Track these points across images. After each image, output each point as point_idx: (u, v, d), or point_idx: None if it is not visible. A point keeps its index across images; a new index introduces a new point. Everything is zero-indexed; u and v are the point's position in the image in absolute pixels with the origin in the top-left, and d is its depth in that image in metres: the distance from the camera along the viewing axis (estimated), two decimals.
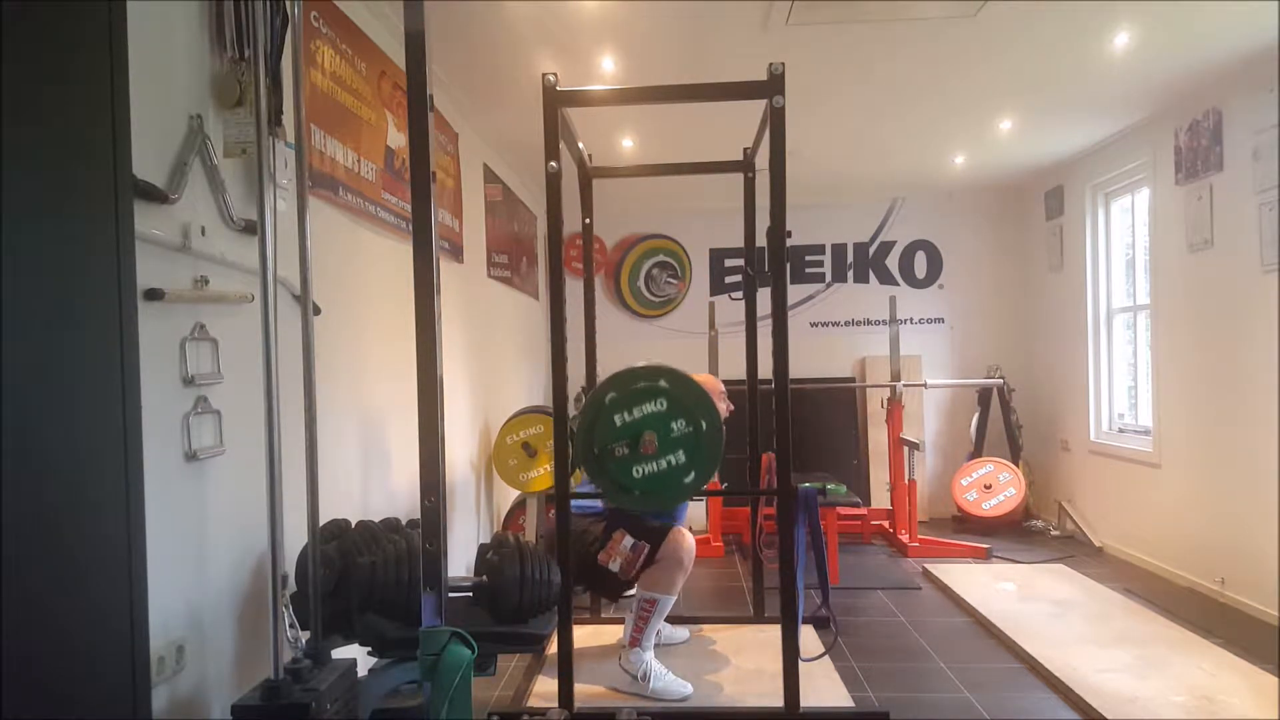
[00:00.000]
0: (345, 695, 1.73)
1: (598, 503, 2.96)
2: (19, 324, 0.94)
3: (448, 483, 3.35)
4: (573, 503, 2.59)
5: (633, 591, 2.93)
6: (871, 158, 5.30)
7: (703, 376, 3.09)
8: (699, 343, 5.83)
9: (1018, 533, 5.57)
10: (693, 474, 2.24)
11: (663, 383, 2.25)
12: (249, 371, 1.85)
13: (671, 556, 2.83)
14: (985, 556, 4.86)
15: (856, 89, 3.95)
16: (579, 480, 2.82)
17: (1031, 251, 6.13)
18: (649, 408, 2.23)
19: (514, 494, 4.49)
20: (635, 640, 2.82)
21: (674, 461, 2.23)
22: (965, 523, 5.68)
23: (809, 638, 3.29)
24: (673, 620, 3.37)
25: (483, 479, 4.36)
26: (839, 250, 6.51)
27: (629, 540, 2.81)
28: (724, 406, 3.10)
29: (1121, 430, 5.10)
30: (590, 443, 2.26)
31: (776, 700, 2.44)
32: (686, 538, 2.88)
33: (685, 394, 2.25)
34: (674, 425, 2.23)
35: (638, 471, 2.24)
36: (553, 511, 2.59)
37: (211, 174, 1.84)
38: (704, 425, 2.23)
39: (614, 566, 2.80)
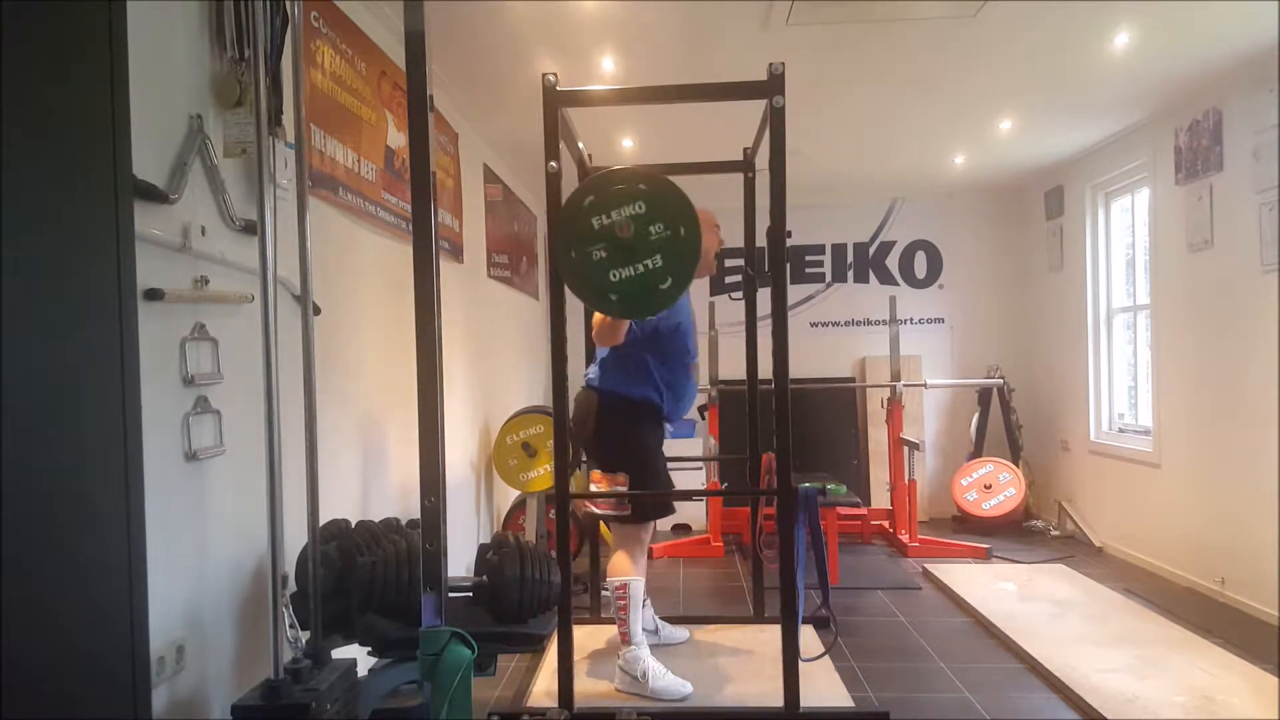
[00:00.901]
0: (345, 695, 1.73)
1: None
2: (19, 324, 0.94)
3: (448, 483, 3.35)
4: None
5: (606, 591, 2.96)
6: (871, 158, 5.30)
7: (697, 209, 3.07)
8: (699, 343, 5.82)
9: (1018, 533, 5.57)
10: (670, 279, 2.19)
11: (642, 185, 2.19)
12: (249, 371, 1.85)
13: (633, 536, 2.87)
14: (985, 556, 4.86)
15: (856, 89, 3.95)
16: (580, 483, 2.82)
17: (1031, 251, 6.13)
18: (627, 210, 2.18)
19: (514, 494, 4.49)
20: (624, 636, 2.81)
21: (651, 265, 2.18)
22: (965, 523, 5.68)
23: (809, 638, 3.29)
24: (673, 620, 3.37)
25: (483, 479, 4.36)
26: (839, 250, 6.51)
27: (623, 498, 2.80)
28: (714, 238, 3.06)
29: (1121, 430, 5.10)
30: (568, 245, 2.21)
31: (776, 700, 2.44)
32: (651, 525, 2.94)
33: (665, 197, 2.20)
34: (652, 229, 2.18)
35: (614, 275, 2.18)
36: (553, 512, 2.59)
37: (211, 174, 1.84)
38: (682, 231, 2.18)
39: (594, 485, 2.81)
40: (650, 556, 4.11)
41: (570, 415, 2.79)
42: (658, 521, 3.02)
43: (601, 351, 2.95)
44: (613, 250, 2.18)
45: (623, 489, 2.77)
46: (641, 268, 2.18)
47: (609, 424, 2.88)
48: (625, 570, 2.84)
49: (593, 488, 2.82)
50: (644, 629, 2.97)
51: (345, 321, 2.59)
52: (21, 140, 0.96)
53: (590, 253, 2.19)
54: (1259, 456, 3.65)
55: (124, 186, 1.12)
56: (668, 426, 3.04)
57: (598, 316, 2.73)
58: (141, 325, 1.23)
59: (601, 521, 3.48)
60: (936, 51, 3.46)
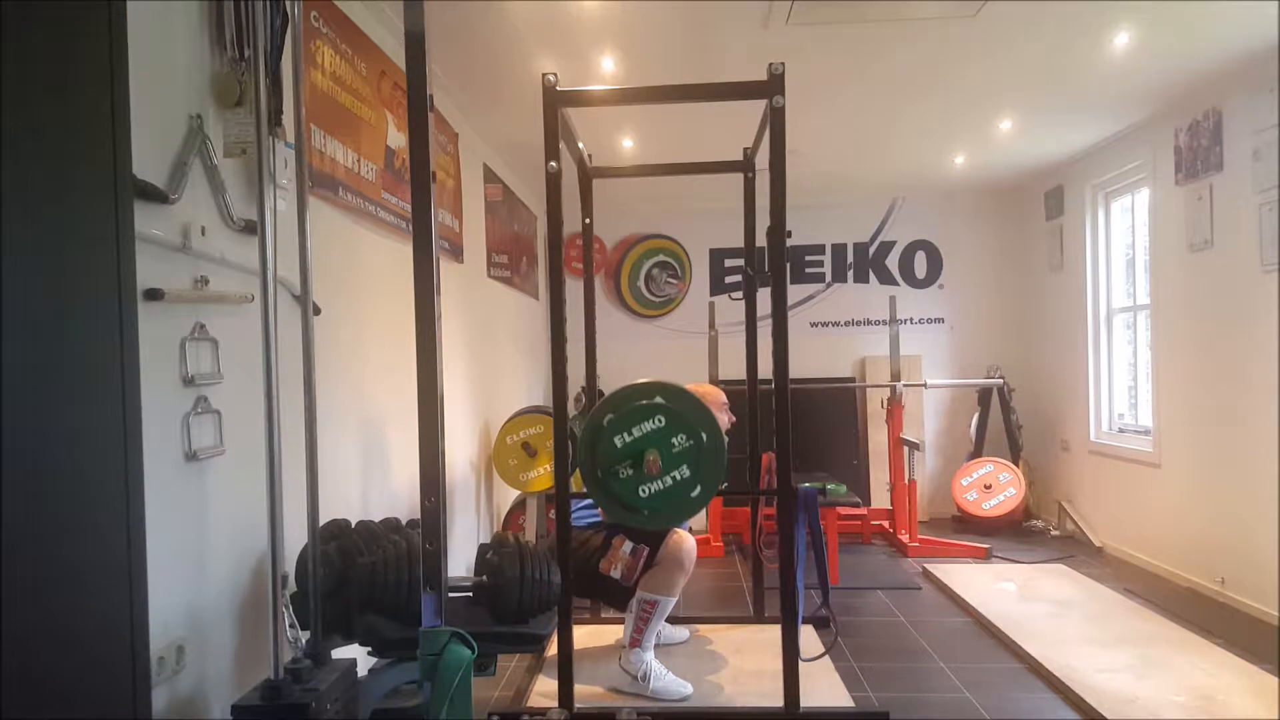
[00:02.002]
0: (345, 695, 1.73)
1: (596, 513, 2.97)
2: (19, 324, 0.94)
3: (448, 483, 3.35)
4: (573, 515, 2.60)
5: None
6: (871, 158, 5.30)
7: (704, 388, 3.08)
8: (699, 343, 5.83)
9: (1018, 533, 5.57)
10: (699, 487, 2.23)
11: (659, 399, 2.24)
12: (249, 371, 1.85)
13: (672, 559, 2.83)
14: (985, 556, 4.86)
15: (856, 89, 3.95)
16: (579, 483, 2.82)
17: (1031, 251, 6.13)
18: (648, 426, 2.22)
19: (514, 494, 4.49)
20: (636, 641, 2.83)
21: (679, 477, 2.22)
22: (965, 523, 5.68)
23: (809, 638, 3.29)
24: (673, 620, 3.37)
25: (483, 479, 4.35)
26: (839, 250, 6.51)
27: (629, 545, 2.81)
28: (725, 418, 3.09)
29: (1121, 430, 5.10)
30: (593, 467, 2.25)
31: (776, 700, 2.44)
32: (687, 539, 2.88)
33: (683, 408, 2.24)
34: (674, 440, 2.22)
35: (643, 491, 2.23)
36: (553, 512, 2.59)
37: (211, 174, 1.84)
38: (704, 437, 2.22)
39: (616, 574, 2.81)
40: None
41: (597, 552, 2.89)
42: (693, 547, 2.97)
43: None
44: (639, 466, 2.22)
45: (625, 548, 2.83)
46: (670, 480, 2.23)
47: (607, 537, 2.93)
48: (661, 589, 2.84)
49: (613, 574, 2.85)
50: None
51: (345, 321, 2.59)
52: (21, 140, 0.96)
53: (616, 471, 2.22)
54: (1259, 456, 3.65)
55: (124, 186, 1.12)
56: None
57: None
58: (141, 325, 1.23)
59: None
60: (936, 51, 3.46)
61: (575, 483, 2.91)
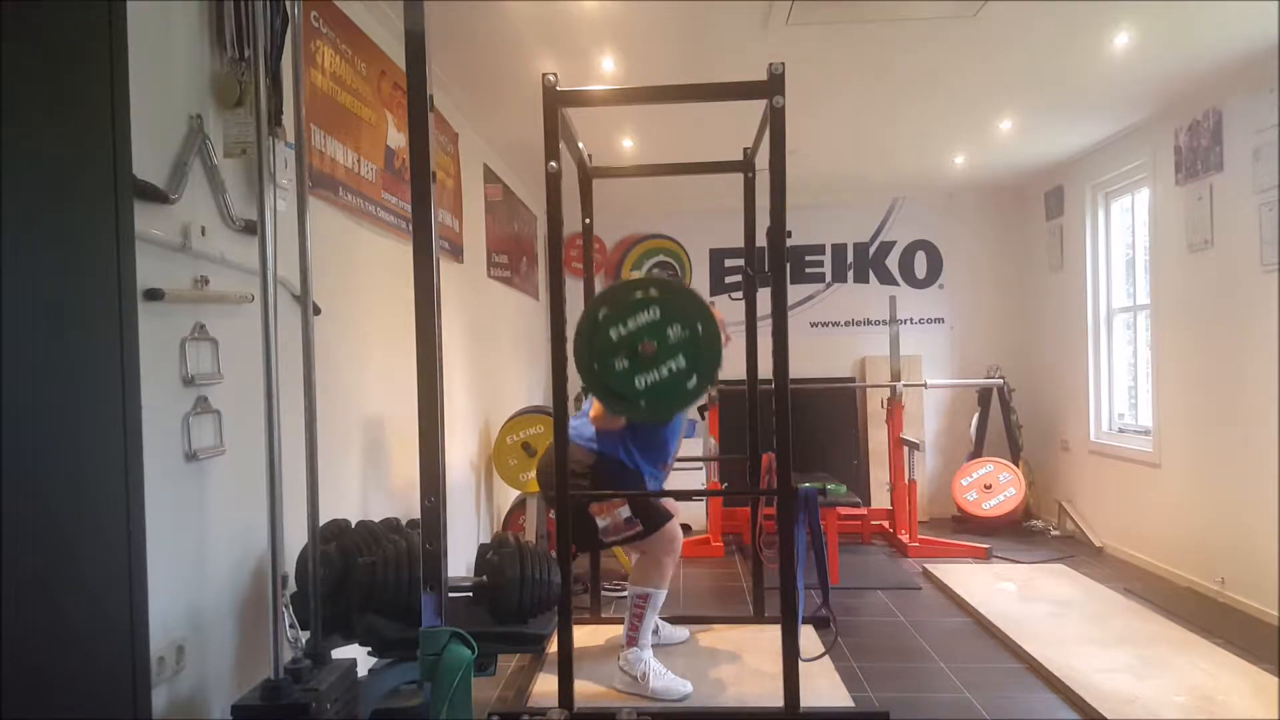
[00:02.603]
0: (345, 695, 1.73)
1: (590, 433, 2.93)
2: (19, 324, 0.94)
3: (448, 483, 3.35)
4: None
5: (624, 593, 2.93)
6: (871, 158, 5.30)
7: None
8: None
9: (1018, 533, 5.57)
10: (695, 378, 2.23)
11: (653, 291, 2.24)
12: (249, 371, 1.85)
13: (660, 548, 2.85)
14: (985, 556, 4.86)
15: (856, 89, 3.95)
16: (599, 411, 2.83)
17: (1031, 251, 6.13)
18: (643, 318, 2.22)
19: (514, 494, 4.49)
20: (632, 639, 2.82)
21: (675, 368, 2.22)
22: (965, 523, 5.68)
23: (809, 638, 3.29)
24: (673, 620, 3.37)
25: (483, 479, 4.36)
26: (839, 250, 6.51)
27: (626, 511, 2.79)
28: (724, 336, 3.09)
29: (1121, 430, 5.10)
30: (590, 359, 2.25)
31: (776, 700, 2.44)
32: (675, 529, 2.90)
33: (677, 300, 2.24)
34: (670, 331, 2.22)
35: (640, 382, 2.23)
36: (553, 512, 2.58)
37: (211, 174, 1.84)
38: (700, 328, 2.22)
39: (601, 522, 2.79)
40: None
41: (541, 462, 2.84)
42: (680, 536, 2.98)
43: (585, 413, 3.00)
44: (635, 358, 2.22)
45: (623, 510, 2.78)
46: (666, 371, 2.24)
47: (596, 475, 2.88)
48: (651, 580, 2.84)
49: (599, 521, 2.81)
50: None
51: (345, 321, 2.59)
52: (22, 140, 0.96)
53: (612, 363, 2.22)
54: (1259, 456, 3.65)
55: (124, 186, 1.12)
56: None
57: (597, 407, 2.82)
58: (141, 325, 1.23)
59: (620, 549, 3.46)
60: (936, 51, 3.46)
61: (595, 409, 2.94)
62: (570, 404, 2.52)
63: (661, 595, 2.86)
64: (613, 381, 2.24)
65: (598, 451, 2.88)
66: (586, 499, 2.77)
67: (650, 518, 2.81)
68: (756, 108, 2.50)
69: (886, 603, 4.03)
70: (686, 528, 5.68)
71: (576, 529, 2.91)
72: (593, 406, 2.86)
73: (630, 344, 2.23)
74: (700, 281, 6.55)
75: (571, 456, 2.85)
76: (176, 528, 1.71)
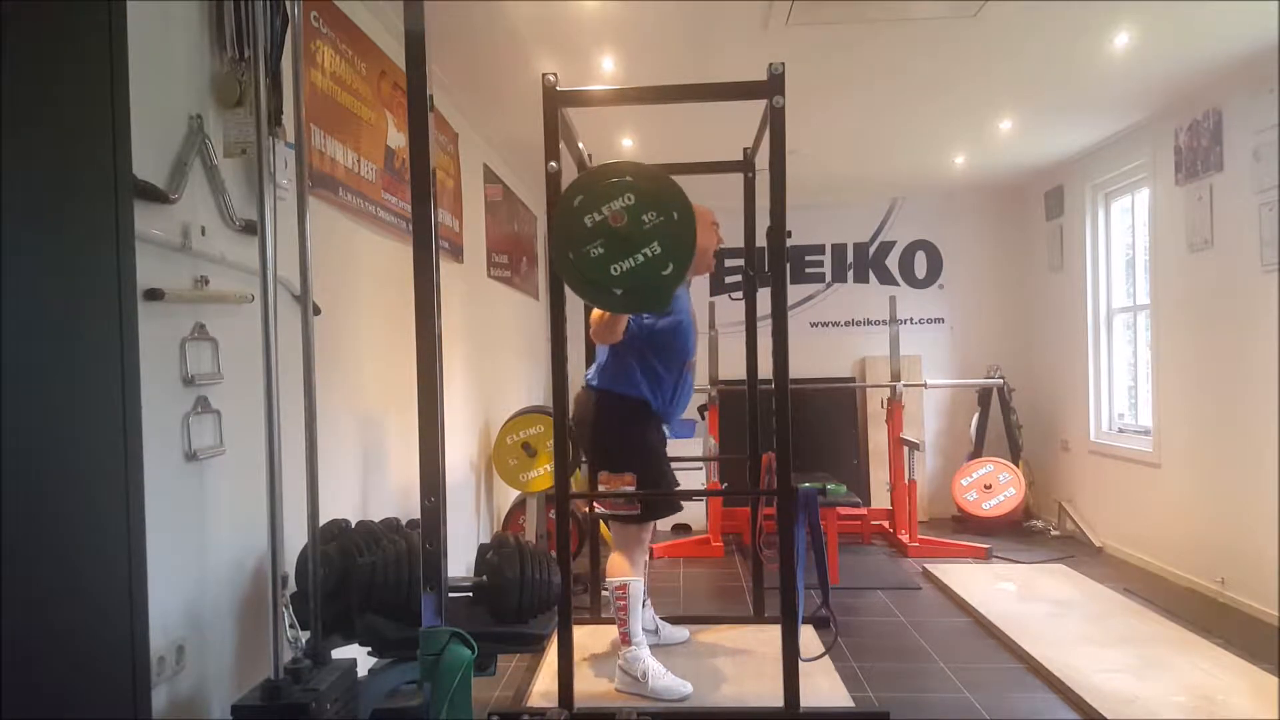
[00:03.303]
0: (345, 695, 1.73)
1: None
2: (19, 324, 0.94)
3: (448, 483, 3.35)
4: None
5: (606, 591, 2.96)
6: (871, 158, 5.30)
7: (696, 207, 3.07)
8: (699, 343, 5.82)
9: (1018, 533, 5.57)
10: (670, 265, 2.19)
11: (628, 177, 2.20)
12: (249, 371, 1.85)
13: (634, 537, 2.89)
14: (985, 556, 4.86)
15: (856, 89, 3.95)
16: (580, 482, 2.81)
17: (1031, 251, 6.13)
18: (617, 204, 2.18)
19: (514, 494, 4.49)
20: (625, 637, 2.82)
21: (649, 254, 2.18)
22: (965, 523, 5.67)
23: (809, 638, 3.29)
24: (673, 620, 3.37)
25: (483, 479, 4.35)
26: (839, 250, 6.51)
27: (632, 487, 2.80)
28: (715, 238, 3.08)
29: (1121, 430, 5.10)
30: (565, 248, 2.21)
31: (776, 700, 2.44)
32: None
33: (652, 185, 2.20)
34: (645, 217, 2.18)
35: (615, 269, 2.19)
36: (553, 512, 2.58)
37: (211, 174, 1.84)
38: (675, 215, 2.18)
39: (602, 487, 2.81)
40: (650, 556, 4.10)
41: (571, 415, 2.79)
42: (658, 520, 3.03)
43: (601, 351, 2.94)
44: (610, 244, 2.18)
45: (630, 488, 2.77)
46: (641, 257, 2.18)
47: (608, 423, 2.87)
48: (624, 570, 2.84)
49: (601, 488, 2.82)
50: (644, 629, 2.97)
51: (345, 321, 2.59)
52: (21, 140, 0.96)
53: (588, 251, 2.19)
54: (1259, 456, 3.65)
55: (124, 186, 1.12)
56: (665, 428, 3.04)
57: (595, 313, 2.72)
58: (141, 325, 1.23)
59: (601, 521, 3.48)
60: (936, 51, 3.46)
61: (576, 482, 2.90)
62: (570, 403, 2.52)
63: (639, 584, 2.87)
64: (588, 269, 2.19)
65: (616, 392, 2.86)
66: (604, 462, 2.79)
67: (653, 505, 2.82)
68: (756, 108, 2.50)
69: (886, 603, 4.03)
70: (686, 528, 5.69)
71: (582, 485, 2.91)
72: (592, 315, 2.78)
73: (606, 231, 2.18)
74: (700, 281, 6.53)
75: (597, 405, 2.85)
76: (176, 528, 1.71)
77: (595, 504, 2.86)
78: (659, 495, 2.87)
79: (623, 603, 2.81)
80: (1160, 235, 4.47)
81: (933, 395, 6.34)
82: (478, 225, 4.37)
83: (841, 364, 6.47)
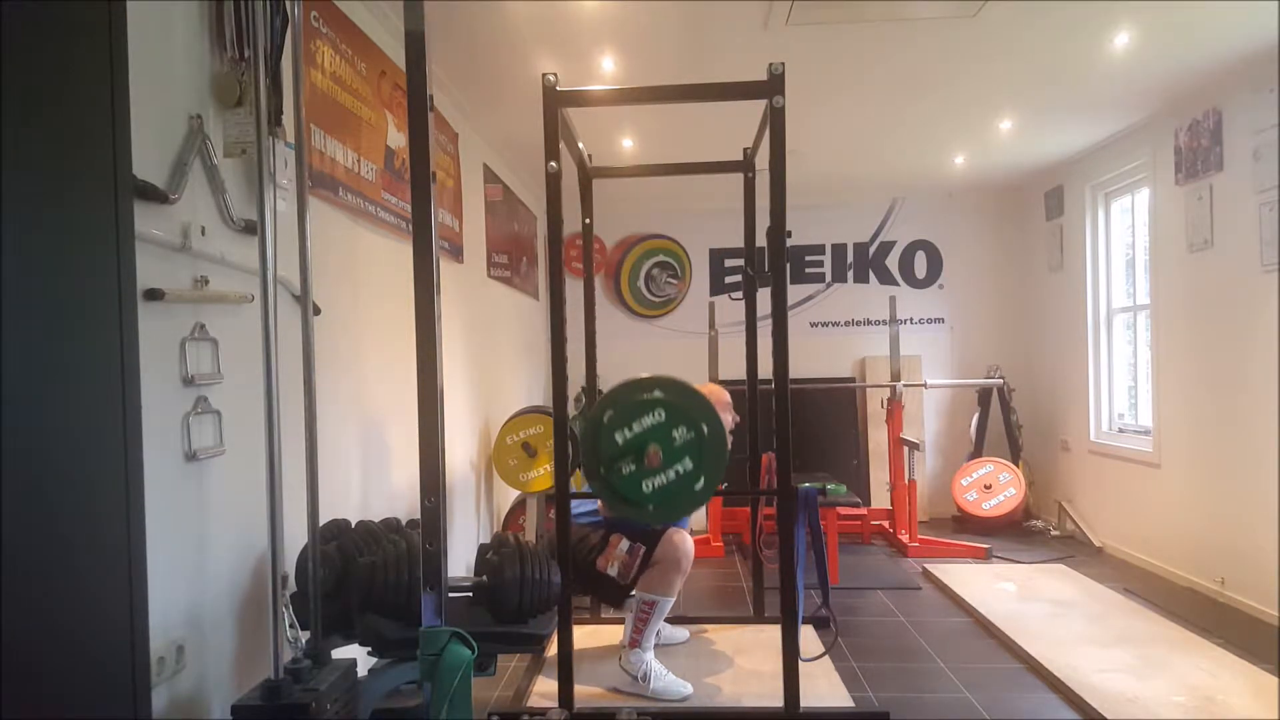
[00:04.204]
0: (345, 695, 1.73)
1: (595, 509, 2.96)
2: (19, 324, 0.94)
3: (448, 483, 3.35)
4: (572, 511, 2.60)
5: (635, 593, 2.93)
6: (871, 158, 5.30)
7: (708, 388, 3.08)
8: (699, 343, 5.83)
9: (1018, 533, 5.57)
10: (702, 480, 2.21)
11: (658, 393, 2.23)
12: (249, 371, 1.85)
13: (669, 558, 2.83)
14: (985, 556, 4.86)
15: (856, 89, 3.95)
16: (579, 482, 2.81)
17: (1031, 251, 6.13)
18: (648, 420, 2.21)
19: (514, 494, 4.49)
20: (635, 642, 2.83)
21: (681, 470, 2.21)
22: (965, 523, 5.68)
23: (809, 638, 3.29)
24: (673, 620, 3.37)
25: (483, 479, 4.35)
26: (839, 250, 6.51)
27: (625, 544, 2.81)
28: (729, 418, 3.08)
29: (1121, 430, 5.10)
30: (596, 464, 2.24)
31: (776, 700, 2.44)
32: (685, 540, 2.88)
33: (683, 401, 2.23)
34: (675, 434, 2.20)
35: (647, 486, 2.21)
36: (553, 512, 2.58)
37: (211, 174, 1.84)
38: (705, 430, 2.20)
39: (612, 571, 2.80)
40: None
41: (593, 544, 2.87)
42: (690, 548, 2.98)
43: None
44: (641, 462, 2.21)
45: (621, 546, 2.81)
46: (673, 474, 2.22)
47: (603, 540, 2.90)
48: (659, 589, 2.84)
49: (610, 572, 2.84)
50: None
51: (345, 321, 2.59)
52: (21, 140, 0.96)
53: (619, 468, 2.21)
54: (1259, 456, 3.65)
55: (124, 186, 1.12)
56: None
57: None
58: (141, 325, 1.23)
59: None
60: (936, 51, 3.46)
61: (576, 482, 2.91)
62: (570, 404, 2.52)
63: (668, 603, 2.86)
64: (620, 486, 2.23)
65: (607, 524, 2.92)
66: (588, 563, 2.82)
67: (647, 533, 2.82)
68: (756, 108, 2.50)
69: (886, 603, 4.03)
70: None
71: (599, 590, 2.96)
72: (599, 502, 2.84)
73: (636, 448, 2.21)
74: (700, 281, 6.55)
75: (584, 536, 2.89)
76: (176, 528, 1.70)
77: (623, 582, 2.86)
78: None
79: (646, 615, 2.82)
80: (1160, 235, 4.47)
81: (933, 395, 6.34)
82: (478, 225, 4.37)
83: (841, 364, 6.47)
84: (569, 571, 2.36)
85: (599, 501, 2.85)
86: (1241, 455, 3.79)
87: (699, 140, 4.47)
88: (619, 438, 2.22)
